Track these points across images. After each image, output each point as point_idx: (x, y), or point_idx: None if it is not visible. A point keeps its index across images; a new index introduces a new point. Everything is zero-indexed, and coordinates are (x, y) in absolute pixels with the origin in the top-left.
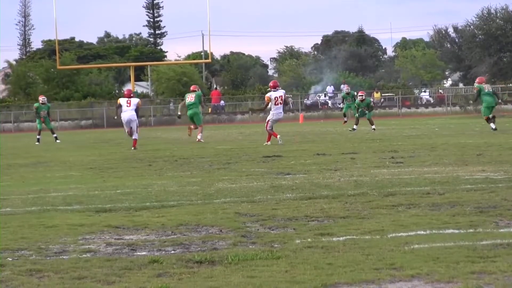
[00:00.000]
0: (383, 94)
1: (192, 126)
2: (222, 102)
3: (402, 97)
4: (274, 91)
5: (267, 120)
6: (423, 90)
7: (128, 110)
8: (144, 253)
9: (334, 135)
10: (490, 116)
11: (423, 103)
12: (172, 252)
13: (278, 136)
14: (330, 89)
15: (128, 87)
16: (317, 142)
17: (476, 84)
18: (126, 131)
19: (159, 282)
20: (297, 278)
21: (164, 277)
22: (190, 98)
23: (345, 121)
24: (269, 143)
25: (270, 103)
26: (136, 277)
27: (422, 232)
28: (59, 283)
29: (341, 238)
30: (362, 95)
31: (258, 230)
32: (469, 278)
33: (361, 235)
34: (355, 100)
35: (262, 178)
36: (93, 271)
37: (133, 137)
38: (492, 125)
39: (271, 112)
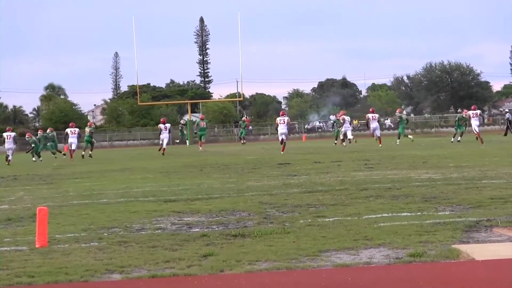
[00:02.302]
0: (359, 121)
1: (202, 142)
2: (250, 127)
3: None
4: (282, 116)
5: (279, 134)
6: (386, 119)
7: (165, 132)
8: (197, 229)
9: (326, 149)
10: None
11: (387, 127)
12: (216, 229)
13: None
14: (332, 117)
15: (186, 117)
16: (315, 154)
17: (397, 114)
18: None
19: (207, 250)
20: (301, 246)
21: (211, 246)
22: (202, 124)
23: (335, 143)
24: (283, 152)
25: (278, 123)
26: (191, 246)
27: (386, 215)
28: (139, 250)
29: (331, 219)
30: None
31: (274, 214)
32: (418, 245)
33: (345, 217)
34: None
35: (277, 178)
36: (163, 242)
37: (163, 147)
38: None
39: (278, 129)
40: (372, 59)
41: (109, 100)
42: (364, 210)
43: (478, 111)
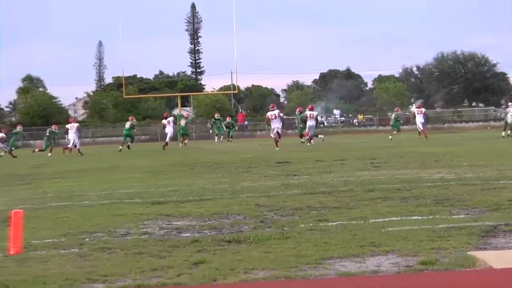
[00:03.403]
0: (365, 116)
1: (184, 140)
2: (246, 122)
3: (379, 118)
4: (271, 110)
5: (272, 130)
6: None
7: (168, 126)
8: (187, 234)
9: (328, 146)
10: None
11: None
12: (209, 233)
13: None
14: (337, 112)
15: (175, 111)
16: (316, 151)
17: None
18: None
19: (198, 257)
20: (302, 253)
21: (203, 253)
22: (182, 122)
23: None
24: (277, 148)
25: (269, 118)
26: (181, 253)
27: (395, 218)
28: (124, 257)
29: (334, 223)
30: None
31: (272, 217)
32: (429, 252)
33: (349, 220)
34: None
35: (275, 178)
36: (150, 248)
37: (166, 140)
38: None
39: (271, 124)
40: (378, 48)
41: (92, 93)
42: (371, 213)
43: (423, 109)
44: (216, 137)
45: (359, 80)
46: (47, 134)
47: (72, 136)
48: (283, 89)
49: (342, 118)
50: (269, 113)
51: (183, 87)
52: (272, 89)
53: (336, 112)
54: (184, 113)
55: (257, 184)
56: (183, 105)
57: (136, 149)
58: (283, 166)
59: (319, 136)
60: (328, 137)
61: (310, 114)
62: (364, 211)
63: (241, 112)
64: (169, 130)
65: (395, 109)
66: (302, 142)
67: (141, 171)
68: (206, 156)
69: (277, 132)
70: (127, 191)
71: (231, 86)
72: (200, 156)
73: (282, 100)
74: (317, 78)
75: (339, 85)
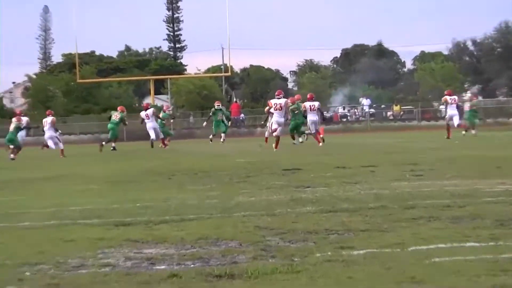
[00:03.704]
0: (402, 107)
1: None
2: (242, 115)
3: (422, 109)
4: (277, 98)
5: (270, 124)
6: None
7: (147, 121)
8: (163, 267)
9: (353, 147)
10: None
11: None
12: (192, 266)
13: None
14: (367, 101)
15: (147, 100)
16: (337, 154)
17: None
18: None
19: None
20: None
21: None
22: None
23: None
24: (277, 149)
25: (272, 108)
26: None
27: (443, 245)
28: None
29: (361, 252)
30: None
31: (278, 243)
32: None
33: (382, 248)
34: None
35: (281, 191)
36: (112, 285)
37: (161, 137)
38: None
39: (273, 117)
40: (420, 17)
41: (34, 76)
42: (411, 239)
43: (455, 97)
44: (211, 136)
45: (394, 59)
46: None
47: (49, 134)
48: (291, 71)
49: (372, 110)
50: (273, 101)
51: (158, 68)
52: (277, 71)
53: (365, 101)
54: (164, 105)
55: (257, 199)
56: (157, 92)
57: (94, 151)
58: (292, 175)
59: (304, 135)
60: (353, 136)
61: (310, 106)
62: (401, 236)
63: (236, 101)
64: (150, 125)
65: (469, 96)
66: (293, 143)
67: (100, 181)
68: (188, 161)
69: (276, 129)
70: (82, 208)
71: (222, 66)
72: (181, 161)
73: (290, 85)
74: (338, 56)
75: (367, 65)
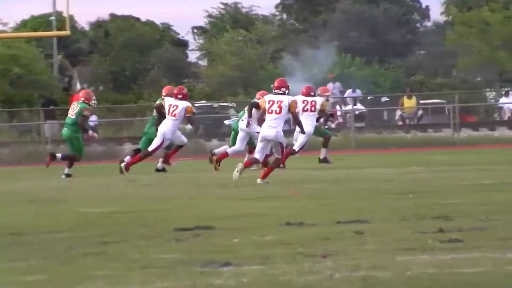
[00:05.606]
0: (422, 101)
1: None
2: (93, 117)
3: (461, 106)
4: (278, 91)
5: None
6: (503, 92)
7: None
8: None
9: (325, 181)
10: None
11: (505, 119)
12: None
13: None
14: (335, 87)
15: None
16: (288, 197)
17: None
18: None
19: None
20: None
21: None
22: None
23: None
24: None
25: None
26: None
27: None
28: None
29: None
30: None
31: None
32: None
33: None
34: None
35: (173, 273)
36: None
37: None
38: None
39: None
40: None
41: None
42: None
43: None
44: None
45: (407, 3)
46: None
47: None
48: (195, 28)
49: (361, 108)
50: (268, 97)
51: None
52: (167, 28)
53: (333, 86)
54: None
55: None
56: None
57: None
58: (196, 239)
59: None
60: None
61: (303, 102)
62: None
63: (81, 89)
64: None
65: None
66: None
67: None
68: None
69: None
70: None
71: (53, 18)
72: None
73: (193, 57)
74: None
75: (350, 13)
